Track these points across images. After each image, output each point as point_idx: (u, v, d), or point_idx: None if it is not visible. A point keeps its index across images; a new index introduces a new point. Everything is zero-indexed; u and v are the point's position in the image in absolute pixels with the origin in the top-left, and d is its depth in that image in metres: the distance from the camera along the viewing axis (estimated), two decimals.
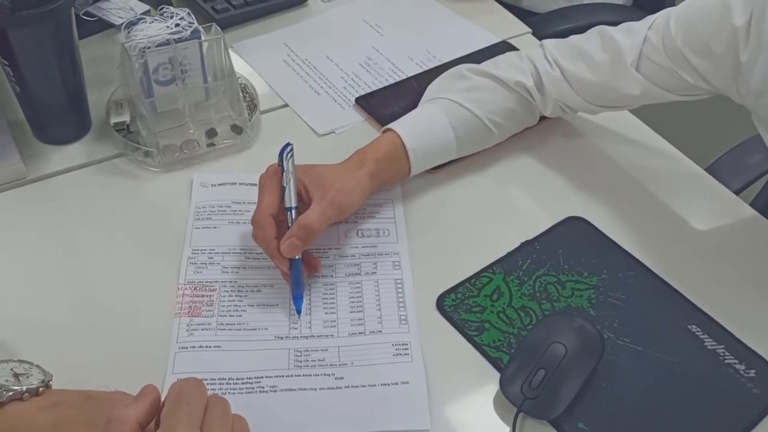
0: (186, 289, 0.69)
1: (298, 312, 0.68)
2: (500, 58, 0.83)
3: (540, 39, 1.04)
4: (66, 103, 0.80)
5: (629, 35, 0.74)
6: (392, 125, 0.77)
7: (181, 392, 0.48)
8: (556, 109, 0.81)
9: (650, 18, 0.74)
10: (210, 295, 0.69)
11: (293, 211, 0.68)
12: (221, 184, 0.79)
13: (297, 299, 0.68)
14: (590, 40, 0.77)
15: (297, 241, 0.66)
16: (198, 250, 0.72)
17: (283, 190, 0.69)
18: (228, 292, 0.69)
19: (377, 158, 0.74)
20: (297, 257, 0.67)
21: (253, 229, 0.69)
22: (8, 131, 0.81)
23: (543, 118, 0.84)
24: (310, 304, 0.69)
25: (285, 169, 0.69)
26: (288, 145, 0.70)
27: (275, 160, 0.73)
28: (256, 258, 0.72)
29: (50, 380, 0.53)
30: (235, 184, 0.79)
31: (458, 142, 0.78)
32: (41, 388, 0.51)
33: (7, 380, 0.51)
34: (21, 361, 0.53)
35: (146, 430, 0.47)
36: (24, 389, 0.51)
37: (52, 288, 0.69)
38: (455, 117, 0.78)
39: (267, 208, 0.68)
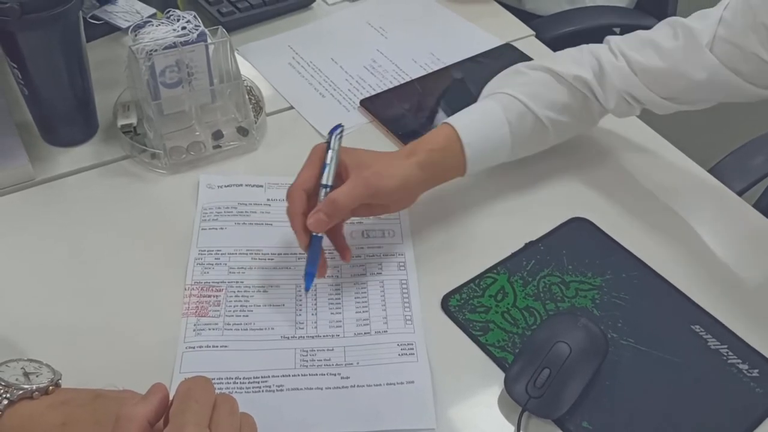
0: (193, 289, 0.70)
1: (306, 289, 0.68)
2: (558, 54, 0.81)
3: (543, 42, 1.05)
4: (73, 106, 0.81)
5: (702, 19, 0.72)
6: (448, 119, 0.75)
7: (190, 390, 0.48)
8: (621, 103, 0.78)
9: (724, 0, 0.72)
10: (217, 296, 0.69)
11: (327, 189, 0.67)
12: (227, 186, 0.79)
13: (308, 275, 0.67)
14: (659, 30, 0.76)
15: (323, 216, 0.65)
16: (205, 250, 0.73)
17: (324, 167, 0.68)
18: (234, 292, 0.70)
19: (429, 149, 0.72)
20: (319, 235, 0.67)
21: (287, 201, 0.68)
22: (16, 133, 0.82)
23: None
24: (316, 304, 0.69)
25: (331, 147, 0.69)
26: (339, 126, 0.70)
27: (281, 162, 0.73)
28: (262, 258, 0.73)
29: (59, 379, 0.53)
30: (241, 185, 0.80)
31: (513, 140, 0.76)
32: (51, 387, 0.52)
33: (17, 379, 0.51)
34: (31, 361, 0.54)
35: (155, 428, 0.48)
36: (34, 388, 0.51)
37: (60, 288, 0.70)
38: (511, 111, 0.75)
39: (302, 183, 0.67)
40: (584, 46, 0.80)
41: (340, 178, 0.69)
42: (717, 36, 0.71)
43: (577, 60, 0.79)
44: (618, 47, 0.77)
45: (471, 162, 0.74)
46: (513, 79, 0.79)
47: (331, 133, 0.70)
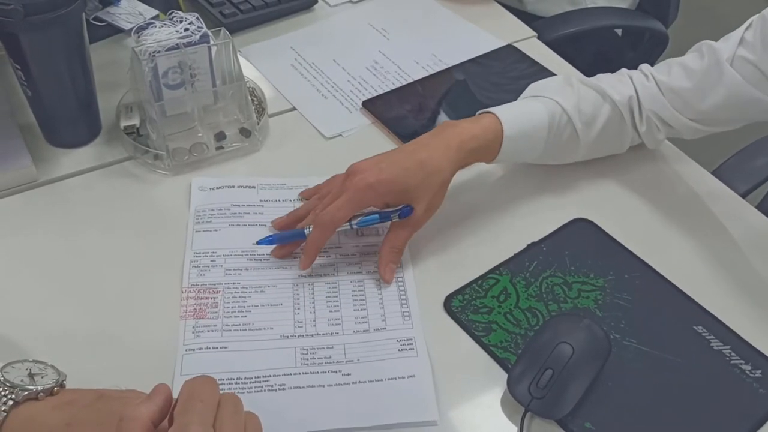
0: (190, 291, 0.69)
1: (258, 242, 0.72)
2: (603, 76, 0.83)
3: (545, 42, 1.05)
4: (76, 107, 0.81)
5: (726, 40, 0.75)
6: (494, 110, 0.76)
7: (194, 390, 0.48)
8: (651, 126, 0.80)
9: (747, 22, 0.74)
10: (214, 297, 0.69)
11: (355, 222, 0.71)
12: (219, 188, 0.79)
13: (270, 240, 0.72)
14: (688, 54, 0.79)
15: (395, 266, 0.72)
16: (200, 253, 0.73)
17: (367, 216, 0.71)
18: (232, 293, 0.70)
19: (472, 148, 0.73)
20: (307, 231, 0.70)
21: (316, 226, 0.70)
22: (19, 135, 0.82)
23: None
24: (314, 302, 0.69)
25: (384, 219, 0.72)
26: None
27: (283, 163, 0.72)
28: (258, 259, 0.73)
29: (64, 380, 0.53)
30: (234, 187, 0.79)
31: (546, 145, 0.77)
32: (56, 388, 0.52)
33: (22, 380, 0.51)
34: (36, 362, 0.54)
35: (159, 428, 0.48)
36: (39, 389, 0.51)
37: (62, 290, 0.70)
38: (554, 119, 0.77)
39: (339, 222, 0.70)
40: (622, 70, 0.83)
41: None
42: (737, 55, 0.73)
43: (620, 80, 0.81)
44: (649, 70, 0.80)
45: (502, 155, 0.76)
46: (562, 88, 0.80)
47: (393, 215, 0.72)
